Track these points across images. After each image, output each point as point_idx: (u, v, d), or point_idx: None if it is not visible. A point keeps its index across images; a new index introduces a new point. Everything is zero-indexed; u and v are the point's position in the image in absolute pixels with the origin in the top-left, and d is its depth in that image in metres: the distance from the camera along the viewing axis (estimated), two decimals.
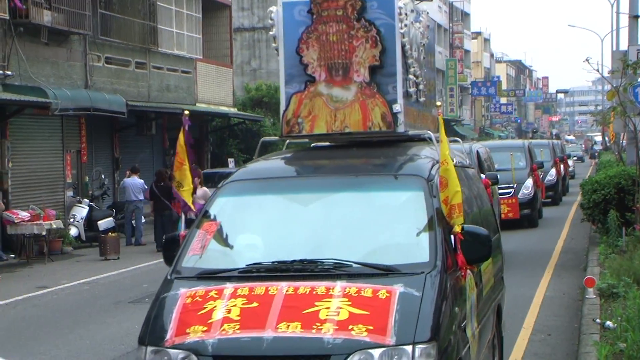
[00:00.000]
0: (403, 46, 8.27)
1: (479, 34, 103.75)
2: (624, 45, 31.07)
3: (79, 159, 28.67)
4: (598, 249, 18.31)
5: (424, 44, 9.15)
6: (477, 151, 19.98)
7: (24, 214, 23.00)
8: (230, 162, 36.71)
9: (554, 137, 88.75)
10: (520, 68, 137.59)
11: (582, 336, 11.02)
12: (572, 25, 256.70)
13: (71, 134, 28.07)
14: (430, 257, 6.68)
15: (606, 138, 61.20)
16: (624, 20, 31.68)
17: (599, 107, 63.58)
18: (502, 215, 22.80)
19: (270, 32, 8.63)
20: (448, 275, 6.69)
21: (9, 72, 24.04)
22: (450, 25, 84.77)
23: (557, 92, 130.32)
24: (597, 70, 24.07)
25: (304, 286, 6.42)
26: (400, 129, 8.16)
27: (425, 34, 9.24)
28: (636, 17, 23.19)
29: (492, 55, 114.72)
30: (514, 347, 11.29)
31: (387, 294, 6.32)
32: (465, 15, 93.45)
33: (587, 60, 20.52)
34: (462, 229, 6.91)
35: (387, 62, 8.15)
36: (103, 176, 28.72)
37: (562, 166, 37.12)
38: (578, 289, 14.91)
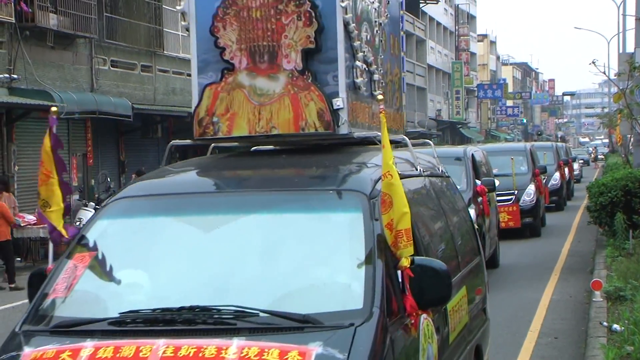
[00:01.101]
0: (346, 24, 6.55)
1: (485, 36, 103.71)
2: (630, 48, 31.06)
3: (85, 162, 28.72)
4: (605, 251, 18.28)
5: (381, 23, 7.46)
6: (473, 155, 18.67)
7: (30, 218, 23.04)
8: None
9: (559, 140, 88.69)
10: (526, 70, 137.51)
11: (589, 339, 11.00)
12: (578, 27, 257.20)
13: (77, 137, 28.12)
14: (365, 302, 4.99)
15: (613, 140, 61.17)
16: (631, 22, 31.66)
17: (606, 110, 63.53)
18: (503, 224, 21.66)
19: (178, 7, 6.93)
20: (391, 326, 5.07)
21: (15, 76, 24.11)
22: (456, 27, 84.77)
23: (564, 94, 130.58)
24: (604, 73, 23.97)
25: (188, 345, 4.75)
26: (343, 129, 6.45)
27: (382, 10, 7.58)
28: None
29: (498, 58, 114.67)
30: (520, 351, 11.30)
31: (299, 358, 4.65)
32: (471, 18, 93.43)
33: (593, 62, 20.59)
34: (412, 262, 5.27)
35: (325, 45, 6.44)
36: (109, 179, 28.76)
37: (566, 170, 35.32)
38: (585, 292, 14.89)
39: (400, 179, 5.60)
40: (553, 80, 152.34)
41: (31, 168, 25.44)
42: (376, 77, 7.20)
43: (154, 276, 5.49)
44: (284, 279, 5.28)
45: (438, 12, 75.50)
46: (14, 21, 23.83)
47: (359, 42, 6.74)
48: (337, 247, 5.46)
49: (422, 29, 68.75)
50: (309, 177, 6.14)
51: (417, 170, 6.85)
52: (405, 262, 5.26)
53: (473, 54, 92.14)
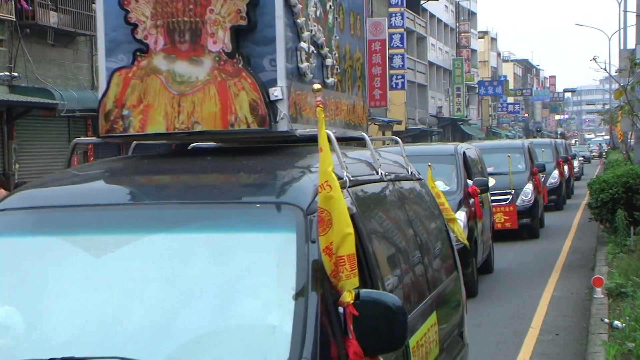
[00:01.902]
0: None
1: (485, 33, 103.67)
2: (631, 44, 31.04)
3: (85, 160, 28.72)
4: (606, 248, 18.29)
5: None
6: (464, 152, 17.04)
7: None
8: None
9: (558, 136, 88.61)
10: (527, 67, 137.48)
11: (590, 336, 11.00)
12: (579, 24, 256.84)
13: (78, 135, 28.10)
14: (292, 350, 3.95)
15: (614, 137, 61.16)
16: (632, 18, 31.64)
17: (607, 106, 63.50)
18: (499, 225, 20.94)
19: None
20: None
21: (15, 74, 24.10)
22: (457, 24, 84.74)
23: (565, 91, 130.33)
24: (605, 69, 24.00)
25: None
26: (282, 126, 5.23)
27: None
28: None
29: (499, 55, 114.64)
30: (522, 348, 11.31)
31: None
32: (472, 15, 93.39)
33: (594, 59, 20.53)
34: (357, 296, 4.17)
35: (261, 22, 5.24)
36: None
37: (566, 167, 34.27)
38: (586, 288, 14.89)
39: (356, 185, 4.94)
40: (554, 77, 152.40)
41: (32, 166, 25.48)
42: (329, 61, 5.93)
43: (25, 315, 4.29)
44: (191, 321, 4.15)
45: (439, 9, 75.46)
46: (14, 19, 23.81)
47: (304, 18, 5.51)
48: (260, 278, 4.31)
49: (422, 26, 68.72)
50: (233, 186, 4.93)
51: (378, 173, 5.80)
52: (348, 297, 4.15)
53: (474, 51, 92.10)
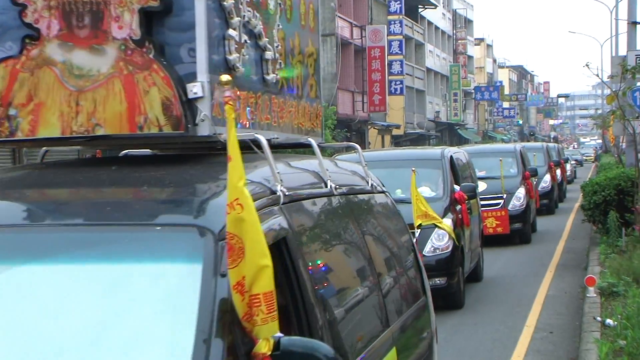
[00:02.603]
0: None
1: (482, 40, 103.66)
2: (623, 51, 31.02)
3: None
4: (598, 248, 18.30)
5: None
6: (451, 157, 15.80)
7: None
8: None
9: (551, 140, 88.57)
10: (522, 73, 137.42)
11: (583, 334, 11.01)
12: (573, 31, 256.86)
13: None
14: None
15: (606, 141, 61.18)
16: (623, 26, 31.62)
17: (599, 111, 63.49)
18: (491, 230, 20.34)
19: None
20: None
21: None
22: (454, 31, 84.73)
23: (558, 96, 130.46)
24: (597, 75, 23.98)
25: None
26: (203, 129, 4.14)
27: None
28: (635, 23, 23.19)
29: (494, 61, 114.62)
30: (517, 345, 11.31)
31: None
32: (468, 22, 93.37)
33: (587, 65, 20.56)
34: (277, 346, 3.29)
35: (177, 3, 4.18)
36: None
37: (558, 171, 33.54)
38: (579, 287, 14.89)
39: (294, 201, 4.09)
40: (548, 82, 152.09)
41: None
42: (269, 54, 4.80)
43: None
44: None
45: (436, 16, 75.43)
46: None
47: (234, 1, 4.44)
48: (152, 323, 3.33)
49: (420, 33, 68.71)
50: (129, 204, 3.88)
51: (326, 186, 4.80)
52: (264, 347, 3.24)
53: (470, 57, 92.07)
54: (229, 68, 4.36)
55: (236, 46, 4.41)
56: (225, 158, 3.72)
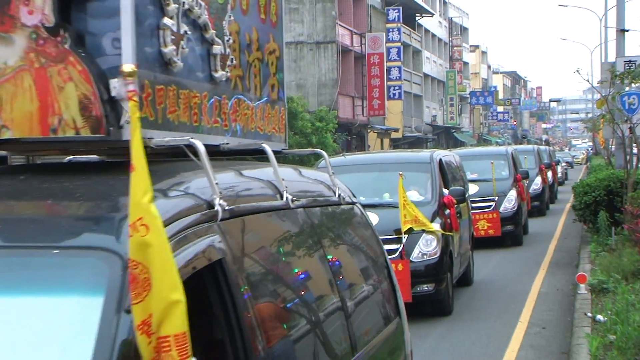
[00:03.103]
0: None
1: (477, 47, 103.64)
2: (612, 57, 31.05)
3: None
4: (589, 247, 18.32)
5: None
6: (441, 160, 14.95)
7: None
8: None
9: (542, 143, 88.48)
10: (515, 78, 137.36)
11: (574, 329, 11.02)
12: (564, 38, 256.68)
13: None
14: None
15: (596, 143, 61.16)
16: (612, 33, 31.64)
17: (590, 115, 63.47)
18: (482, 233, 19.92)
19: None
20: None
21: None
22: (450, 39, 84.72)
23: (550, 101, 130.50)
24: (587, 81, 24.00)
25: None
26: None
27: None
28: (623, 30, 23.20)
29: (489, 67, 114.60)
30: (511, 340, 11.32)
31: None
32: (463, 30, 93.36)
33: (577, 71, 20.67)
34: None
35: None
36: None
37: (549, 173, 33.01)
38: (571, 285, 14.90)
39: (236, 216, 3.39)
40: (540, 87, 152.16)
41: None
42: (218, 49, 4.01)
43: None
44: None
45: (433, 24, 75.43)
46: None
47: None
48: None
49: (418, 41, 68.70)
50: (26, 222, 3.07)
51: (282, 198, 4.03)
52: None
53: (466, 64, 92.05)
54: (165, 63, 3.59)
55: (173, 37, 3.61)
56: (164, 166, 3.17)
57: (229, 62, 4.14)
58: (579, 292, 13.11)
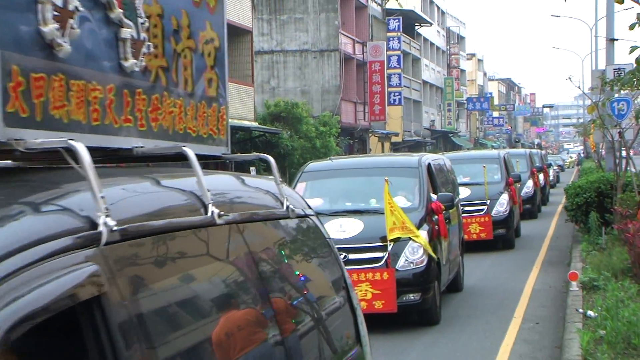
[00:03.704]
0: None
1: (473, 55, 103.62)
2: (602, 65, 31.06)
3: None
4: (580, 246, 18.31)
5: None
6: (429, 165, 13.88)
7: None
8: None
9: (535, 147, 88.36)
10: (510, 85, 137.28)
11: (566, 324, 11.02)
12: (556, 47, 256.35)
13: None
14: None
15: (587, 147, 61.10)
16: (602, 42, 31.66)
17: (581, 120, 63.44)
18: (474, 236, 19.41)
19: None
20: None
21: None
22: (448, 47, 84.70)
23: (544, 106, 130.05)
24: (579, 87, 24.14)
25: None
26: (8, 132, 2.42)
27: None
28: (613, 40, 23.19)
29: (485, 74, 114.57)
30: (505, 335, 11.32)
31: None
32: (461, 39, 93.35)
33: (569, 78, 20.74)
34: None
35: None
36: None
37: (541, 176, 32.40)
38: (563, 282, 14.90)
39: (131, 238, 2.49)
40: (534, 93, 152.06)
41: None
42: (127, 33, 3.11)
43: None
44: None
45: (431, 33, 75.42)
46: None
47: None
48: None
49: (417, 49, 68.69)
50: None
51: (206, 212, 3.04)
52: None
53: (463, 71, 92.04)
54: (46, 45, 2.66)
55: (57, 14, 2.69)
56: (39, 175, 2.54)
57: (144, 50, 3.24)
58: (570, 289, 13.11)
